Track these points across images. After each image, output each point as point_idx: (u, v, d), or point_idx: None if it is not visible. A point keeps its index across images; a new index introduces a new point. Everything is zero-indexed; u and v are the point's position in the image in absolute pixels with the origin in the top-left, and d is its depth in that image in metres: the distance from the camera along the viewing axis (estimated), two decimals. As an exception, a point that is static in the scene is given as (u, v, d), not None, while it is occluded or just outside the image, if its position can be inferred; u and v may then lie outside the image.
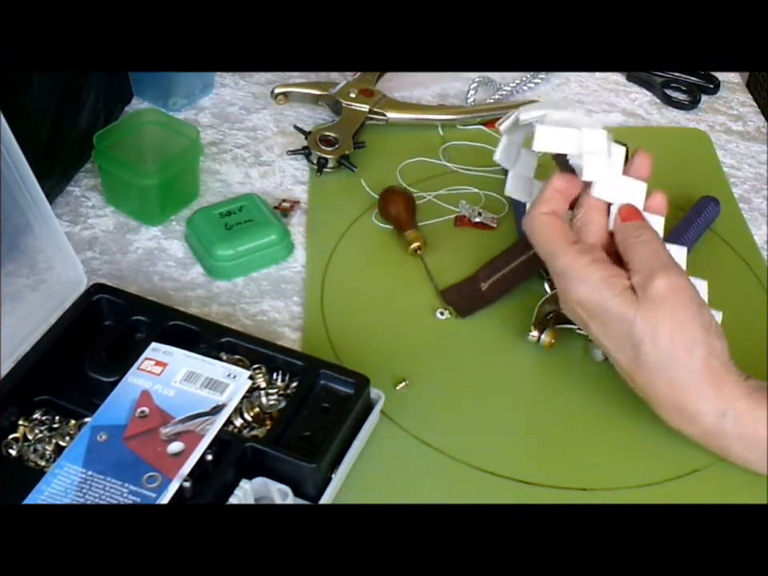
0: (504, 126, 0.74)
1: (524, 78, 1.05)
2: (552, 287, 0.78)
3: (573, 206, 0.70)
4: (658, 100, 1.04)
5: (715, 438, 0.65)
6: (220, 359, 0.70)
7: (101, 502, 0.61)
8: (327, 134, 0.93)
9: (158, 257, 0.84)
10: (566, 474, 0.69)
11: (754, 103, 1.05)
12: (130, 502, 0.61)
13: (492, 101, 1.02)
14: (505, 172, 0.79)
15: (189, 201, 0.89)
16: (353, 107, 0.97)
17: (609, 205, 0.69)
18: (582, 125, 0.67)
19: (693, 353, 0.63)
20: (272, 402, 0.68)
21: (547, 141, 0.67)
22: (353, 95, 0.98)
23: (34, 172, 0.71)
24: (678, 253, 0.69)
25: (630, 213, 0.67)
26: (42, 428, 0.67)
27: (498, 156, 0.76)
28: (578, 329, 0.77)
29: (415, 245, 0.83)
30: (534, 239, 0.69)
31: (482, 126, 0.99)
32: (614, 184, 0.68)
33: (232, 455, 0.64)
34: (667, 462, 0.70)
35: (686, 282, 0.64)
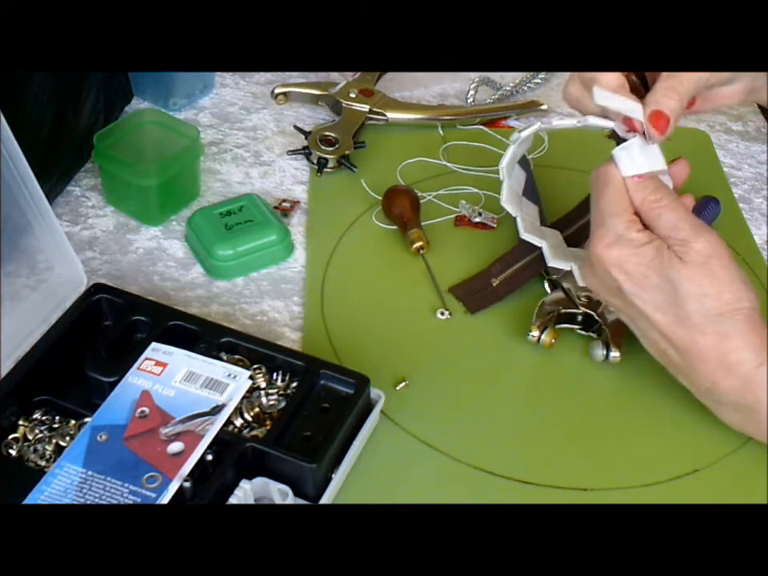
0: (524, 133, 0.74)
1: (524, 78, 1.05)
2: (552, 287, 0.79)
3: None
4: (658, 100, 1.04)
5: (752, 388, 0.65)
6: (220, 359, 0.70)
7: (101, 502, 0.61)
8: (327, 133, 0.93)
9: (158, 257, 0.84)
10: (566, 474, 0.69)
11: (754, 103, 1.05)
12: (130, 502, 0.61)
13: (492, 101, 1.02)
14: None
15: (189, 201, 0.89)
16: (353, 107, 0.97)
17: None
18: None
19: (739, 309, 0.65)
20: (272, 402, 0.68)
21: (605, 98, 0.67)
22: (353, 95, 0.98)
23: (34, 172, 0.71)
24: None
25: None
26: (42, 428, 0.68)
27: (505, 163, 0.75)
28: (579, 329, 0.77)
29: (418, 244, 0.83)
30: (603, 191, 0.68)
31: (482, 126, 0.99)
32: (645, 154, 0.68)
33: (232, 455, 0.64)
34: (667, 462, 0.70)
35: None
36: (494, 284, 0.80)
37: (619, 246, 0.66)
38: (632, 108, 0.67)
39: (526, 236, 0.76)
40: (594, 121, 0.69)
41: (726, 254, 0.65)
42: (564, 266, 0.75)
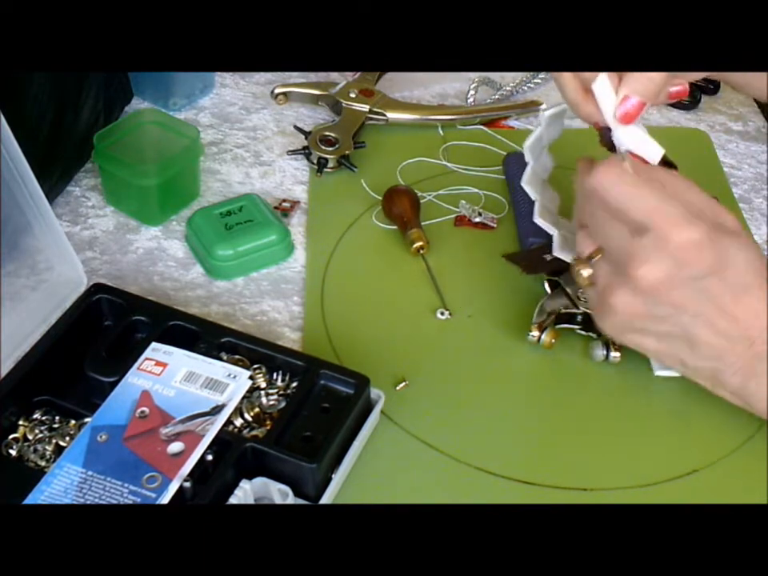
0: (549, 113, 0.73)
1: (524, 78, 1.05)
2: (552, 287, 0.78)
3: None
4: (658, 100, 1.04)
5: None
6: (220, 359, 0.70)
7: (101, 502, 0.61)
8: (327, 134, 0.93)
9: (158, 257, 0.84)
10: (566, 474, 0.69)
11: (754, 103, 1.05)
12: (130, 502, 0.61)
13: (492, 101, 1.02)
14: (505, 171, 0.79)
15: (189, 201, 0.89)
16: (353, 107, 0.97)
17: None
18: None
19: (762, 284, 0.63)
20: (272, 402, 0.68)
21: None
22: (353, 95, 0.98)
23: (34, 172, 0.71)
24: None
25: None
26: (42, 428, 0.68)
27: (529, 143, 0.74)
28: (579, 329, 0.77)
29: (418, 244, 0.83)
30: (633, 192, 0.64)
31: (482, 126, 0.99)
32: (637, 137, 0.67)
33: (232, 455, 0.64)
34: (667, 462, 0.70)
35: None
36: (548, 259, 0.78)
37: (662, 261, 0.62)
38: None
39: (539, 220, 0.74)
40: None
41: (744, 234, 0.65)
42: (570, 258, 0.73)
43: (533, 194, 0.75)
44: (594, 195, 0.64)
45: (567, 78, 0.68)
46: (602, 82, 0.65)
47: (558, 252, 0.74)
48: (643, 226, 0.62)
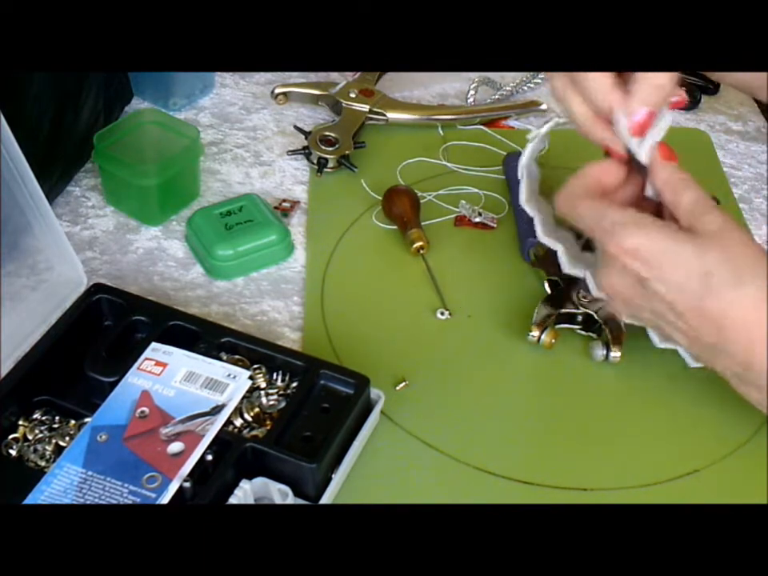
0: (543, 130, 0.74)
1: (524, 78, 1.05)
2: (552, 287, 0.79)
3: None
4: (658, 100, 1.04)
5: None
6: (220, 359, 0.70)
7: (101, 502, 0.61)
8: (327, 134, 0.93)
9: (158, 257, 0.84)
10: (566, 474, 0.69)
11: (754, 103, 1.05)
12: (130, 502, 0.61)
13: (492, 101, 1.02)
14: (505, 171, 0.79)
15: (189, 201, 0.89)
16: (353, 107, 0.97)
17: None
18: None
19: (762, 274, 0.63)
20: (272, 402, 0.68)
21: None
22: (353, 95, 0.98)
23: (34, 172, 0.71)
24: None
25: (668, 152, 0.67)
26: (42, 428, 0.68)
27: (524, 161, 0.75)
28: (579, 329, 0.77)
29: (418, 244, 0.83)
30: (574, 214, 0.67)
31: (482, 126, 0.99)
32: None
33: (232, 455, 0.64)
34: (667, 462, 0.70)
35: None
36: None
37: (630, 231, 0.64)
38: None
39: (544, 239, 0.74)
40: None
41: (738, 226, 0.64)
42: (580, 273, 0.73)
43: (531, 212, 0.75)
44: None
45: (576, 104, 0.68)
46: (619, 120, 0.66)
47: (568, 269, 0.73)
48: (595, 239, 0.66)
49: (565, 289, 0.78)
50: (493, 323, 0.79)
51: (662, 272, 0.63)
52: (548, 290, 0.79)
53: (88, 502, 0.61)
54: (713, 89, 1.05)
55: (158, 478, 0.62)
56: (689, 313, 0.63)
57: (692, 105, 1.03)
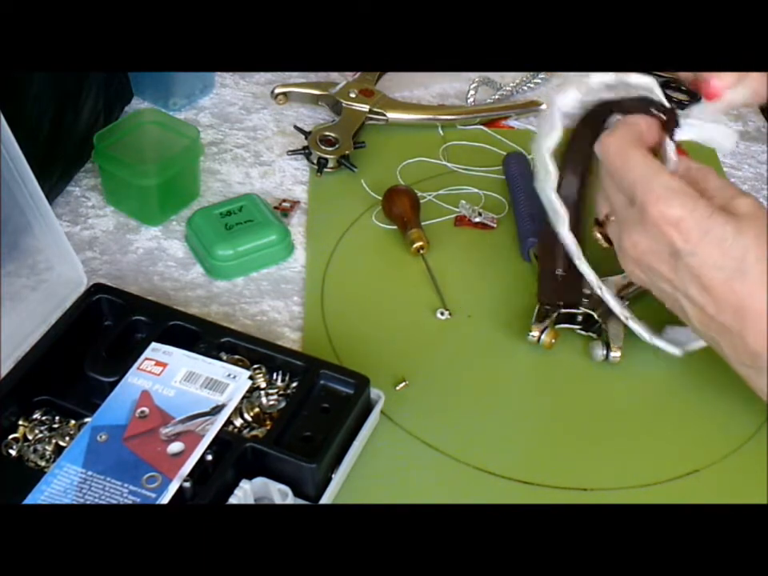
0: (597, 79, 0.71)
1: (524, 78, 1.05)
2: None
3: None
4: (658, 100, 1.04)
5: None
6: (220, 359, 0.70)
7: (101, 502, 0.61)
8: (327, 134, 0.93)
9: (158, 257, 0.84)
10: (566, 474, 0.69)
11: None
12: (130, 502, 0.61)
13: (492, 101, 1.02)
14: (505, 171, 0.78)
15: (189, 201, 0.89)
16: (353, 107, 0.97)
17: None
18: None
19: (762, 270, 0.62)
20: (272, 402, 0.68)
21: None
22: (353, 95, 0.98)
23: (34, 172, 0.71)
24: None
25: (679, 150, 0.68)
26: (42, 428, 0.68)
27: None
28: (579, 329, 0.77)
29: (418, 244, 0.83)
30: (622, 161, 0.66)
31: (482, 126, 0.99)
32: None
33: (232, 455, 0.64)
34: (667, 462, 0.70)
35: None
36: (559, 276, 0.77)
37: (679, 201, 0.62)
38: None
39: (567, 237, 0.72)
40: (634, 78, 0.68)
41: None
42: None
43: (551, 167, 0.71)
44: (601, 160, 0.66)
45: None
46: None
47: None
48: (632, 196, 0.64)
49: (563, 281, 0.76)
50: (493, 323, 0.79)
51: (699, 247, 0.62)
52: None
53: (88, 502, 0.61)
54: (713, 89, 1.05)
55: (158, 478, 0.62)
56: (717, 289, 0.63)
57: (692, 105, 1.03)
